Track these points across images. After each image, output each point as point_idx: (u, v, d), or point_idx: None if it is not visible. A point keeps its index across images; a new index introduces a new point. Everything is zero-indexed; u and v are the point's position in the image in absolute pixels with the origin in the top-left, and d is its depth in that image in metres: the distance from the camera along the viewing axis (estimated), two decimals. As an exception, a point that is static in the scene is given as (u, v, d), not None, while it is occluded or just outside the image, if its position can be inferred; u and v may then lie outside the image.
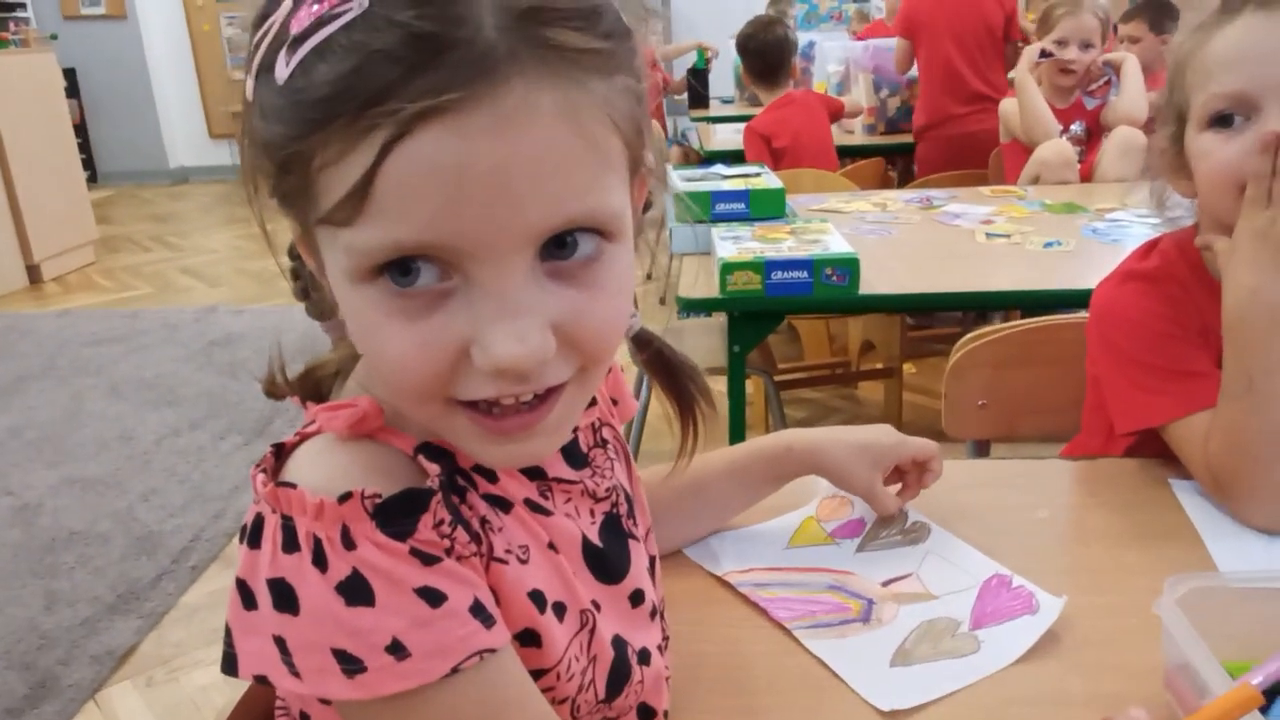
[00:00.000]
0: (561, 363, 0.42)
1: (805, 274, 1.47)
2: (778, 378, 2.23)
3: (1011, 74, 2.42)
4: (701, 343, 1.94)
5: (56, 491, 2.34)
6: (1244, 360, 0.78)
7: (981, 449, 1.20)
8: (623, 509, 0.56)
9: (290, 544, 0.41)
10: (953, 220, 1.94)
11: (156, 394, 2.94)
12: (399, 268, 0.39)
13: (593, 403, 0.57)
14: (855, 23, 4.22)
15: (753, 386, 2.27)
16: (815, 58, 3.69)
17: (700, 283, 1.55)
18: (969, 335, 1.16)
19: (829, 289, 1.47)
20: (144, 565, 2.01)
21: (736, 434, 1.61)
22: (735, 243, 1.56)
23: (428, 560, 0.42)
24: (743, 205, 1.79)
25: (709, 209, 1.79)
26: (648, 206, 0.52)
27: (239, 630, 0.43)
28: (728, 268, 1.46)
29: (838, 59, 3.28)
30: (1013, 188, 2.24)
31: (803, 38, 3.99)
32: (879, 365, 2.49)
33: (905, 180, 3.00)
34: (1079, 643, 0.65)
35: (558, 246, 0.41)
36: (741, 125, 3.53)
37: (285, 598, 0.41)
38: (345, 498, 0.41)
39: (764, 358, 1.99)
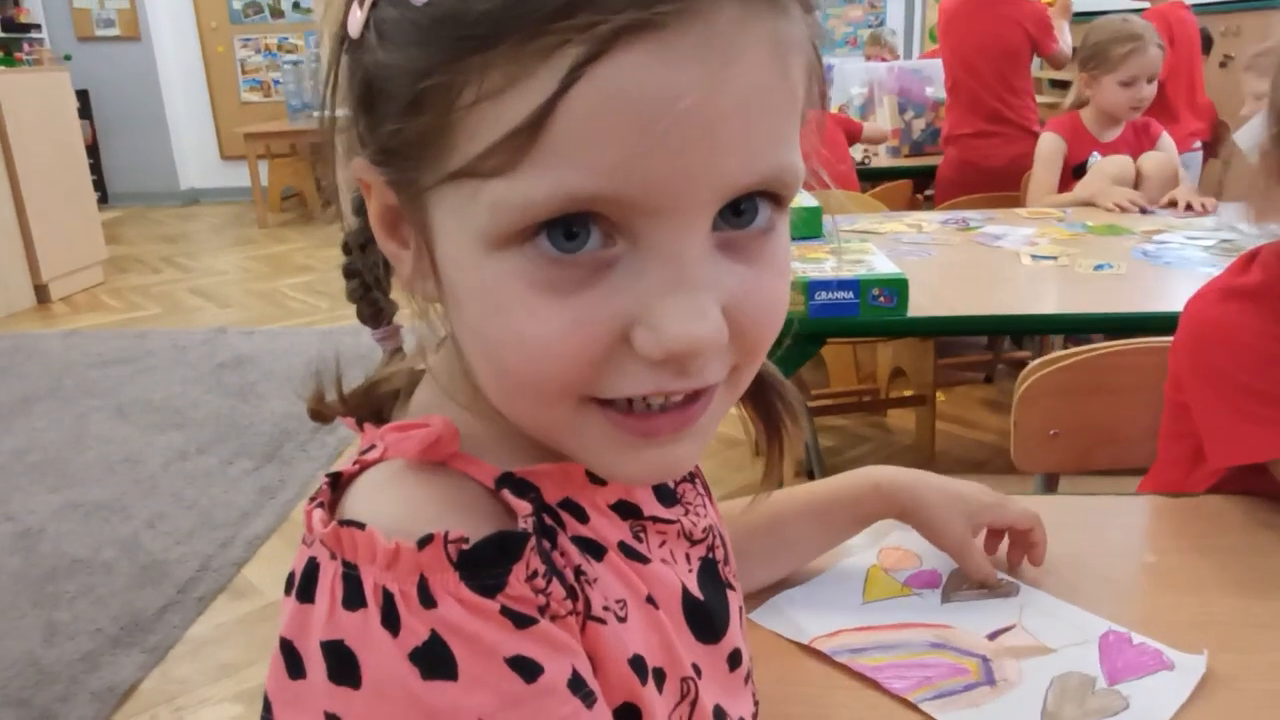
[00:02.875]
0: (719, 363, 0.35)
1: (851, 295, 1.39)
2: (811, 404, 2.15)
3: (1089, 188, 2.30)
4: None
5: (59, 516, 2.26)
6: None
7: (1051, 483, 1.12)
8: (719, 553, 0.48)
9: (354, 599, 0.33)
10: (994, 242, 1.87)
11: (163, 416, 2.87)
12: (563, 228, 0.32)
13: None
14: (869, 47, 4.16)
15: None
16: (834, 81, 3.63)
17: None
18: (1038, 361, 1.09)
19: (876, 310, 1.39)
20: (149, 595, 1.92)
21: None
22: (783, 263, 1.49)
23: (521, 622, 0.34)
24: (779, 224, 1.72)
25: (744, 228, 1.72)
26: None
27: (281, 703, 0.35)
28: (770, 288, 1.38)
29: (861, 81, 3.22)
30: (1050, 210, 2.17)
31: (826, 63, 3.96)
32: (909, 393, 2.41)
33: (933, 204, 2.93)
34: (1224, 711, 0.57)
35: (734, 213, 0.34)
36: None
37: (345, 666, 0.33)
38: (426, 541, 0.33)
39: (796, 383, 1.91)
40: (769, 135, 0.33)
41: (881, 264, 1.47)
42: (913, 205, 2.60)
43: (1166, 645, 0.63)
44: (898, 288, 1.39)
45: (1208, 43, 2.27)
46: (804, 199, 1.83)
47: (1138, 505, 0.85)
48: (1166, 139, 2.33)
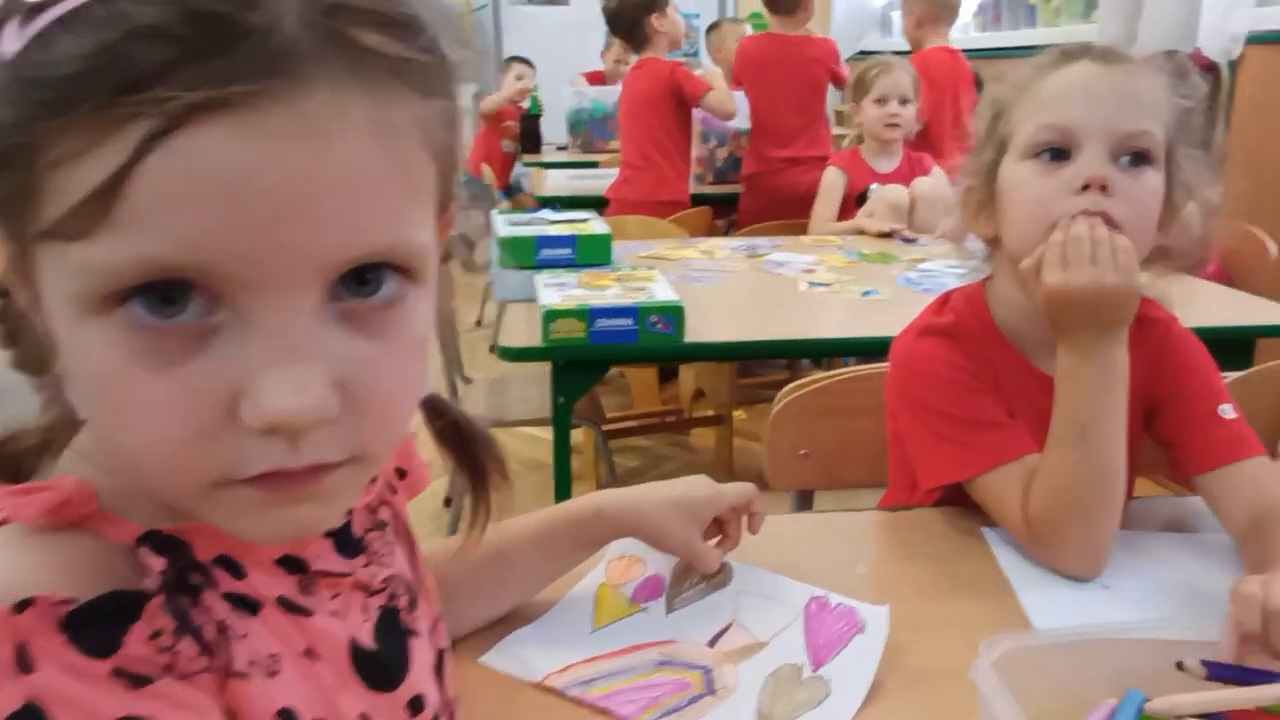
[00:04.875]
0: (336, 437, 0.35)
1: (630, 322, 1.44)
2: (607, 427, 2.19)
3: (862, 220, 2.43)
4: (528, 393, 1.88)
5: None
6: (1076, 410, 0.79)
7: (805, 500, 1.19)
8: (402, 601, 0.48)
9: None
10: (777, 269, 1.97)
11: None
12: (159, 294, 0.32)
13: (372, 479, 0.50)
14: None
15: (582, 436, 2.22)
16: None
17: (524, 331, 1.49)
18: (790, 386, 1.16)
19: (654, 337, 1.45)
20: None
21: (563, 486, 1.55)
22: (559, 290, 1.52)
23: (137, 682, 0.34)
24: (569, 251, 1.76)
25: (534, 255, 1.75)
26: (447, 256, 0.46)
27: None
28: (550, 315, 1.41)
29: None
30: (832, 238, 2.31)
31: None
32: (710, 412, 2.50)
33: (733, 230, 3.06)
34: (904, 705, 0.63)
35: (358, 284, 0.35)
36: (576, 171, 3.54)
37: None
38: (25, 605, 0.32)
39: (592, 407, 1.95)
40: (377, 213, 0.34)
41: (662, 291, 1.52)
42: (712, 232, 2.71)
43: (857, 602, 0.71)
44: (675, 314, 1.45)
45: (979, 85, 2.49)
46: (595, 226, 1.87)
47: (863, 520, 0.93)
48: (938, 170, 2.53)
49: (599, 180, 3.46)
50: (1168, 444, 0.89)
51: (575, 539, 0.73)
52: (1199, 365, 0.90)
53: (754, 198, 3.11)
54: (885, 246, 2.21)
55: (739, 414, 2.55)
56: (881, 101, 2.45)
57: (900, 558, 0.85)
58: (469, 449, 0.52)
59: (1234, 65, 2.74)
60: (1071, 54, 0.83)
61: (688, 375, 2.54)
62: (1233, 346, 1.62)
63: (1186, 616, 0.75)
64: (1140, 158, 0.80)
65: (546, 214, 1.96)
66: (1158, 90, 0.81)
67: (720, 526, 0.78)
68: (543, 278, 1.60)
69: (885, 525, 0.91)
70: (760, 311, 1.69)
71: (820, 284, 1.84)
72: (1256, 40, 2.67)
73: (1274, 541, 0.76)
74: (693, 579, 0.77)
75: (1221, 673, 0.59)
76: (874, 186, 2.46)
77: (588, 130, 4.00)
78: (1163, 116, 0.81)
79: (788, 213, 2.78)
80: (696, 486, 0.76)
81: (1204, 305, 1.77)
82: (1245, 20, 2.73)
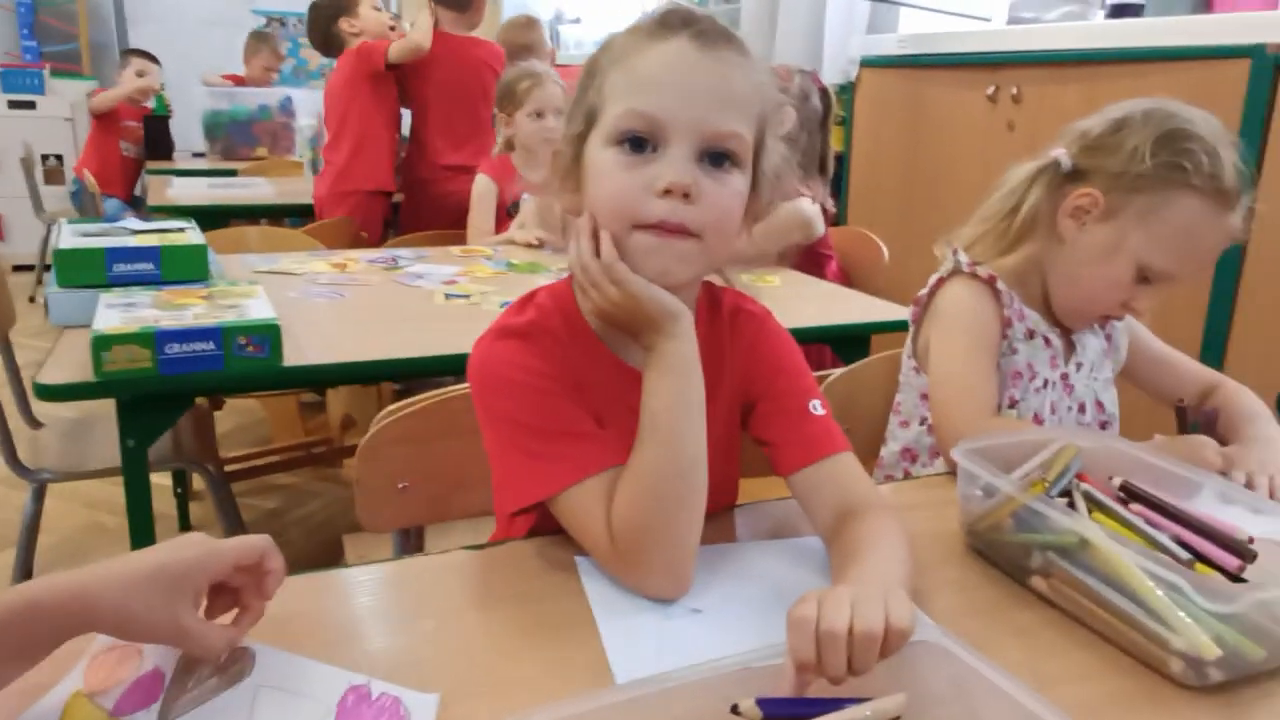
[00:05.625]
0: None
1: (213, 346, 1.21)
2: (235, 466, 1.92)
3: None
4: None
5: None
6: (650, 404, 0.74)
7: (411, 539, 1.05)
8: None
9: None
10: (414, 281, 1.82)
11: None
12: None
13: None
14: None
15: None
16: (294, 113, 3.44)
17: (79, 363, 1.21)
18: (384, 410, 1.01)
19: (245, 362, 1.24)
20: None
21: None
22: (124, 311, 1.26)
23: None
24: (152, 266, 1.48)
25: (104, 271, 1.45)
26: None
27: None
28: (102, 342, 1.15)
29: (313, 113, 3.06)
30: (481, 249, 2.20)
31: (283, 93, 3.73)
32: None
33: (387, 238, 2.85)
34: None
35: None
36: (218, 180, 3.16)
37: None
38: None
39: (201, 446, 1.67)
40: None
41: (258, 309, 1.32)
42: (357, 243, 2.49)
43: (405, 688, 0.58)
44: (269, 335, 1.24)
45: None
46: (189, 236, 1.61)
47: (447, 563, 0.80)
48: None
49: (241, 190, 3.12)
50: (764, 442, 0.85)
51: (3, 650, 0.53)
52: (791, 361, 0.88)
53: (416, 206, 2.93)
54: (536, 257, 2.13)
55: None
56: (538, 115, 2.36)
57: (481, 603, 0.73)
58: None
59: (852, 85, 2.99)
60: (670, 24, 0.75)
61: (336, 400, 2.31)
62: (852, 342, 1.71)
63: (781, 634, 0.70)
64: (727, 158, 0.75)
65: (130, 223, 1.66)
66: (750, 84, 0.76)
67: (234, 596, 0.62)
68: (109, 297, 1.33)
69: (470, 566, 0.79)
70: (385, 328, 1.52)
71: (459, 295, 1.71)
72: (869, 63, 2.92)
73: (848, 545, 0.73)
74: (201, 673, 0.60)
75: (777, 709, 0.52)
76: (526, 196, 2.38)
77: (228, 135, 3.60)
78: (754, 113, 0.77)
79: (456, 223, 2.63)
80: (182, 548, 0.59)
81: (827, 305, 1.86)
82: (859, 46, 2.99)
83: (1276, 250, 1.80)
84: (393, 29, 2.91)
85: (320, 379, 1.64)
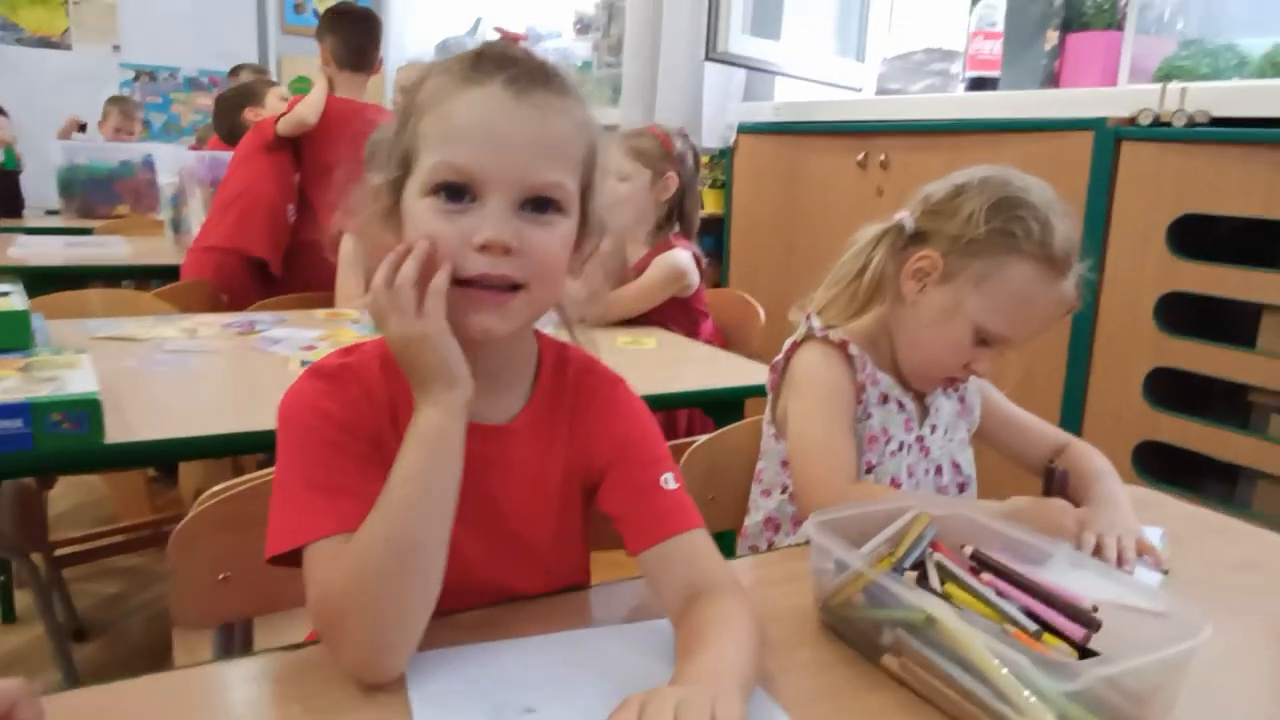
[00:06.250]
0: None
1: (22, 424, 1.10)
2: (68, 550, 1.76)
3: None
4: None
5: None
6: (396, 468, 0.69)
7: (237, 637, 0.95)
8: None
9: None
10: (270, 347, 1.72)
11: None
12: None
13: None
14: (203, 132, 3.89)
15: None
16: (157, 170, 3.29)
17: None
18: (205, 494, 0.92)
19: (60, 440, 1.12)
20: None
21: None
22: (-81, 385, 1.14)
23: None
24: (-38, 334, 1.35)
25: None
26: None
27: None
28: (-116, 421, 1.03)
29: (173, 170, 2.93)
30: (348, 311, 2.11)
31: (146, 149, 3.58)
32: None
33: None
34: None
35: None
36: (73, 239, 2.96)
37: None
38: None
39: (24, 531, 1.52)
40: None
41: (79, 382, 1.21)
42: (216, 307, 2.36)
43: None
44: (87, 410, 1.14)
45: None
46: (14, 301, 1.48)
47: (269, 667, 0.71)
48: None
49: (94, 250, 2.95)
50: (613, 517, 0.81)
51: None
52: (642, 431, 0.84)
53: (299, 271, 2.79)
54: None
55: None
56: None
57: (300, 713, 0.65)
58: None
59: (730, 150, 3.04)
60: (484, 69, 0.72)
61: (189, 474, 2.16)
62: (726, 406, 1.69)
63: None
64: (551, 204, 0.73)
65: (-54, 285, 1.52)
66: (571, 126, 0.74)
67: None
68: (-95, 369, 1.20)
69: (288, 670, 0.71)
70: (229, 399, 1.43)
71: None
72: (746, 130, 2.99)
73: (691, 633, 0.69)
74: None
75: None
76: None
77: (85, 192, 3.42)
78: (577, 156, 0.75)
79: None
80: None
81: (702, 367, 1.84)
82: (737, 112, 3.07)
83: (1124, 312, 1.88)
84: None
85: (149, 457, 1.52)
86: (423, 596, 0.68)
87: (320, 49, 2.81)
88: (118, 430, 1.18)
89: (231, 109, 2.90)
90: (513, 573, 0.81)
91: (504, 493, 0.80)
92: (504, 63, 0.72)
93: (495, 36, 0.79)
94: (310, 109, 2.68)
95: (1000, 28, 2.41)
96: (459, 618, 0.77)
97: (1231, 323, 1.75)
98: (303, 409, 0.74)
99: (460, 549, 0.79)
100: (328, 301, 2.31)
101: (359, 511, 0.69)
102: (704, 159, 3.15)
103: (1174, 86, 1.84)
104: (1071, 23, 2.26)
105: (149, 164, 3.44)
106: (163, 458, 1.66)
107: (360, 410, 0.74)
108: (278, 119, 2.64)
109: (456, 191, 0.71)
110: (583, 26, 4.15)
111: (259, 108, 2.85)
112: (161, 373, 1.50)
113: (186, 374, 1.51)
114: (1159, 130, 1.82)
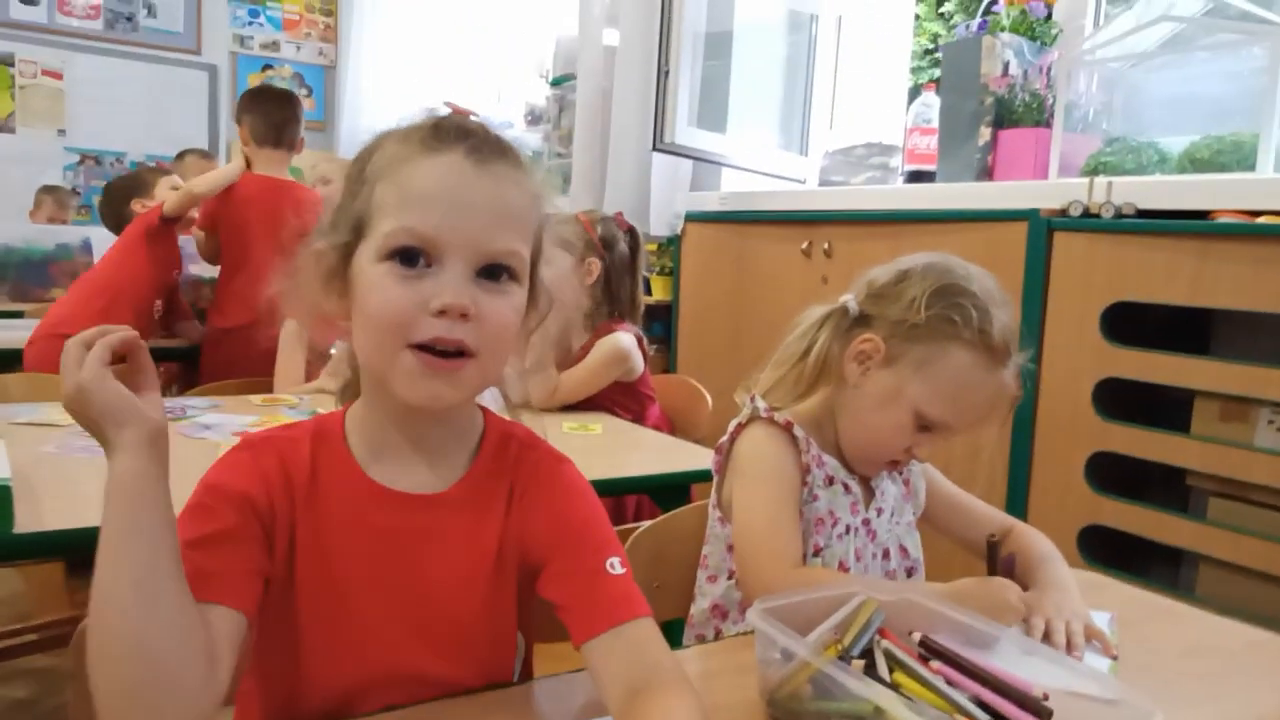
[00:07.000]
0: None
1: (-78, 511, 1.04)
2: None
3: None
4: None
5: None
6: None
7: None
8: None
9: None
10: (200, 433, 1.66)
11: None
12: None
13: None
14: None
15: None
16: (95, 253, 3.24)
17: None
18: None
19: (-37, 530, 1.06)
20: None
21: None
22: None
23: None
24: None
25: None
26: None
27: None
28: None
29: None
30: (285, 397, 2.06)
31: (83, 232, 3.52)
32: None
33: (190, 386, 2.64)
34: None
35: None
36: (4, 321, 2.88)
37: None
38: None
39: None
40: None
41: (-8, 467, 1.14)
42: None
43: None
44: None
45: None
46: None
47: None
48: None
49: (24, 333, 2.86)
50: (557, 605, 0.77)
51: None
52: (586, 513, 0.81)
53: (223, 353, 2.74)
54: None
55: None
56: None
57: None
58: None
59: (678, 238, 3.09)
60: (444, 138, 0.73)
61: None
62: (672, 492, 1.66)
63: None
64: (505, 272, 0.73)
65: None
66: (526, 198, 0.75)
67: None
68: None
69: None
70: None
71: (249, 448, 1.57)
72: (693, 218, 3.04)
73: None
74: None
75: None
76: (339, 343, 2.27)
77: (19, 275, 3.35)
78: (530, 227, 0.76)
79: (270, 372, 2.45)
80: None
81: (648, 453, 1.82)
82: (684, 201, 3.12)
83: (1064, 397, 1.91)
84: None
85: (61, 548, 1.43)
86: (114, 658, 0.61)
87: (239, 130, 2.83)
88: (29, 519, 1.11)
89: (118, 199, 2.82)
90: (438, 657, 0.77)
91: (432, 566, 0.77)
92: (463, 134, 0.74)
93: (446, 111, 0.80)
94: (204, 181, 2.67)
95: (936, 124, 2.51)
96: (380, 719, 0.72)
97: (1169, 407, 1.79)
98: (208, 475, 0.74)
99: (380, 631, 0.75)
100: (266, 387, 2.26)
101: (206, 586, 0.66)
102: (652, 246, 3.19)
103: (1101, 180, 1.92)
104: (1003, 119, 2.35)
105: (87, 247, 3.38)
106: (76, 549, 1.57)
107: (279, 479, 0.74)
108: (156, 215, 2.61)
109: (413, 256, 0.71)
110: (534, 118, 4.22)
111: (147, 199, 2.79)
112: (81, 460, 1.43)
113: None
114: (1089, 221, 1.89)
